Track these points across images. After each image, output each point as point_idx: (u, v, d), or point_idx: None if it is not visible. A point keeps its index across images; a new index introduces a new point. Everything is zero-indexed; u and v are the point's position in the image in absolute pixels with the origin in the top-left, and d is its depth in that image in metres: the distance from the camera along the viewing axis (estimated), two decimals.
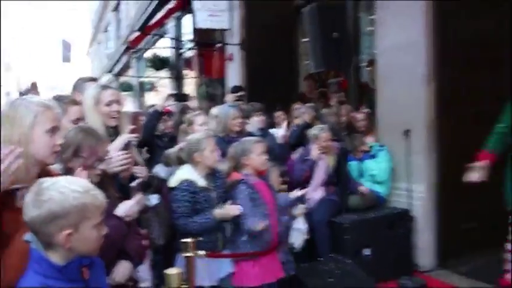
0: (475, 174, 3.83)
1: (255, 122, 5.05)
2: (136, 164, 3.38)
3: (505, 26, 4.98)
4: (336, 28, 5.03)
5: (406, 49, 5.10)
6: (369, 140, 5.54)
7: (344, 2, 6.62)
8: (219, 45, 9.22)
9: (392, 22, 5.30)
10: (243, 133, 4.67)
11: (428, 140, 4.98)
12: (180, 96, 6.35)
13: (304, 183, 5.00)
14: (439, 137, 4.98)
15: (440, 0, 4.93)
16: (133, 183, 3.04)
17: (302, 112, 5.89)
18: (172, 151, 4.10)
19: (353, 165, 5.35)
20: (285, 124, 5.76)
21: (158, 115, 4.73)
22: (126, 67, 19.38)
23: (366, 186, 5.28)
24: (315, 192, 5.06)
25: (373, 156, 5.34)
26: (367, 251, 4.80)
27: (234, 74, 8.56)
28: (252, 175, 3.70)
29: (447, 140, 4.98)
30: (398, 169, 5.25)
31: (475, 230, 5.10)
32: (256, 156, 3.70)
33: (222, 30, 8.85)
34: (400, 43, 5.18)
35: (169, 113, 5.02)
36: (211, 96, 9.45)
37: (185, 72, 12.10)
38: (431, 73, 4.93)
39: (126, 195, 2.77)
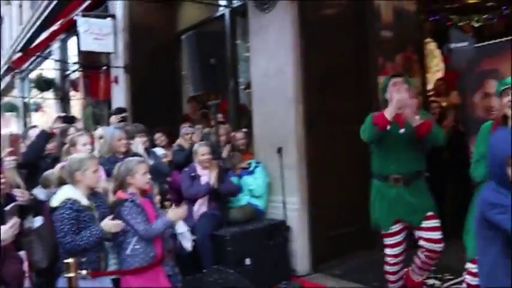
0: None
1: (139, 143, 5.12)
2: (17, 186, 3.31)
3: (357, 60, 5.56)
4: (214, 54, 5.24)
5: (276, 75, 5.47)
6: (247, 157, 5.80)
7: (222, 30, 6.93)
8: (104, 67, 9.13)
9: (264, 50, 5.65)
10: (128, 153, 4.72)
11: (299, 156, 5.35)
12: (68, 118, 6.23)
13: (189, 199, 5.16)
14: (308, 153, 5.36)
15: (305, 33, 5.36)
16: (8, 207, 2.97)
17: (189, 133, 6.10)
18: (51, 172, 4.05)
19: (234, 181, 5.57)
20: (165, 144, 5.92)
21: (46, 136, 4.64)
22: (9, 87, 18.35)
23: (245, 200, 5.53)
24: (198, 207, 5.22)
25: (251, 173, 5.59)
26: (248, 261, 5.00)
27: (119, 96, 8.53)
28: (136, 194, 3.77)
29: (315, 156, 5.38)
30: (274, 183, 5.55)
31: (345, 236, 5.54)
32: (140, 175, 3.79)
33: (107, 53, 8.79)
34: (271, 69, 5.54)
35: (53, 135, 4.95)
36: (98, 117, 9.33)
37: (71, 93, 11.78)
38: (298, 96, 5.32)
39: (1, 219, 2.71)
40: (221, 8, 7.29)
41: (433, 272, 4.57)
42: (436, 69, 8.16)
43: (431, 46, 7.84)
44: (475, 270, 2.94)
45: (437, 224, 3.83)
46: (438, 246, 3.80)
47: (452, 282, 4.68)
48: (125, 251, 3.66)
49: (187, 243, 4.41)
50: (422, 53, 6.56)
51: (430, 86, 7.90)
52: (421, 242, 3.85)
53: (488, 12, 8.25)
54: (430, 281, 4.68)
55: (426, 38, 7.84)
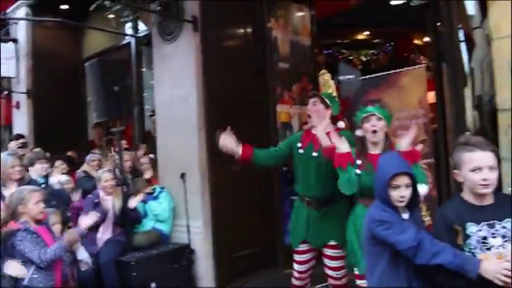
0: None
1: (38, 170, 4.87)
2: None
3: (257, 89, 5.70)
4: (118, 81, 5.14)
5: (180, 102, 5.46)
6: (152, 182, 5.71)
7: (128, 58, 6.84)
8: (5, 92, 8.66)
9: (169, 78, 5.63)
10: (23, 181, 4.47)
11: (202, 181, 5.34)
12: None
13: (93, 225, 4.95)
14: (210, 178, 5.37)
15: (208, 62, 5.42)
16: None
17: (96, 159, 5.90)
18: None
19: (138, 207, 5.45)
20: (67, 171, 5.69)
21: None
22: None
23: (150, 225, 5.41)
24: (102, 234, 5.04)
25: (155, 198, 5.50)
26: (153, 285, 4.88)
27: (21, 122, 8.09)
28: (29, 223, 3.57)
29: (218, 181, 5.40)
30: (178, 208, 5.50)
31: (249, 256, 5.58)
32: (33, 204, 3.59)
33: (9, 78, 8.35)
34: (175, 97, 5.52)
35: None
36: None
37: None
38: (201, 124, 5.35)
39: None
40: (127, 37, 7.20)
41: None
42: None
43: (326, 77, 8.21)
44: (364, 286, 3.05)
45: (338, 254, 3.77)
46: (337, 273, 3.79)
47: None
48: (23, 281, 3.45)
49: (85, 267, 4.28)
50: (317, 83, 6.85)
51: None
52: (325, 268, 3.88)
53: (375, 48, 8.84)
54: None
55: (321, 70, 8.21)
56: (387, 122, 3.30)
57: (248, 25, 5.86)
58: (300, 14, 6.51)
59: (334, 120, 3.84)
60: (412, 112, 5.04)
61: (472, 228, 2.20)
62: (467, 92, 3.83)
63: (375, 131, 3.21)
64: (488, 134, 3.98)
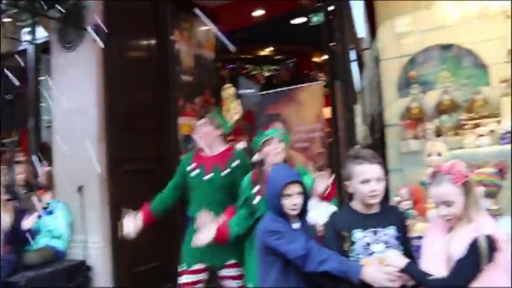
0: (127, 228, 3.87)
1: None
2: None
3: (159, 101, 5.65)
4: (12, 90, 4.85)
5: (79, 113, 5.25)
6: (47, 196, 5.42)
7: (25, 65, 6.47)
8: None
9: (68, 88, 5.40)
10: None
11: (101, 195, 5.16)
12: None
13: None
14: (110, 192, 5.20)
15: (109, 73, 5.28)
16: None
17: None
18: None
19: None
20: None
21: None
22: None
23: (43, 241, 5.12)
24: None
25: (50, 212, 5.22)
26: None
27: None
28: None
29: (118, 194, 5.24)
30: (75, 223, 5.26)
31: (148, 272, 5.45)
32: None
33: None
34: (74, 107, 5.30)
35: None
36: None
37: None
38: (101, 135, 5.17)
39: None
40: (24, 43, 6.81)
41: None
42: (234, 111, 8.65)
43: (230, 91, 8.32)
44: None
45: (237, 273, 3.72)
46: None
47: None
48: None
49: None
50: (219, 96, 6.93)
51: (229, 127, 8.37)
52: None
53: (277, 64, 9.12)
54: None
55: (224, 83, 8.33)
56: (286, 143, 3.42)
57: (151, 36, 5.79)
58: (204, 27, 6.56)
59: (226, 139, 3.86)
60: (309, 126, 5.27)
61: (357, 234, 2.34)
62: (358, 109, 4.07)
63: (276, 154, 3.33)
64: (378, 147, 4.26)
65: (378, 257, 2.28)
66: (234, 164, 3.69)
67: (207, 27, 6.54)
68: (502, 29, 4.60)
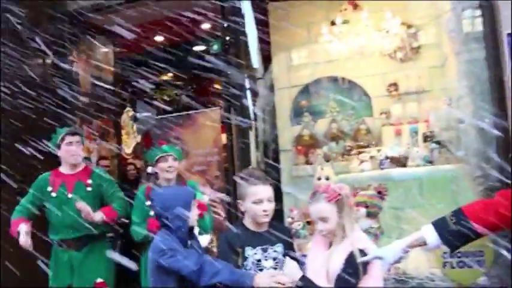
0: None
1: None
2: None
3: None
4: None
5: None
6: None
7: None
8: None
9: None
10: None
11: None
12: None
13: None
14: None
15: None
16: None
17: None
18: None
19: None
20: None
21: None
22: None
23: None
24: None
25: None
26: None
27: None
28: None
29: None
30: None
31: None
32: None
33: None
34: None
35: None
36: None
37: None
38: None
39: None
40: None
41: None
42: (134, 135, 8.55)
43: (130, 113, 8.23)
44: None
45: None
46: None
47: None
48: None
49: None
50: (119, 119, 6.84)
51: (129, 150, 8.25)
52: None
53: (178, 89, 9.18)
54: None
55: (125, 107, 8.23)
56: (180, 159, 3.51)
57: (48, 55, 5.59)
58: (103, 50, 6.48)
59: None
60: (207, 150, 5.38)
61: (249, 251, 2.44)
62: (252, 135, 4.26)
63: (171, 171, 3.39)
64: (272, 171, 4.46)
65: (267, 272, 2.37)
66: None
67: (106, 50, 6.48)
68: (382, 66, 5.11)
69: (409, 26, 5.05)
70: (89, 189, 3.59)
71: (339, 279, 2.22)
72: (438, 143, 4.30)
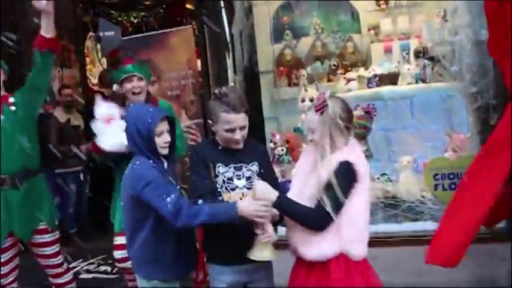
0: None
1: None
2: None
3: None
4: None
5: None
6: None
7: None
8: None
9: None
10: None
11: None
12: None
13: None
14: None
15: None
16: None
17: None
18: None
19: None
20: None
21: None
22: None
23: None
24: None
25: None
26: None
27: None
28: None
29: None
30: None
31: None
32: None
33: None
34: None
35: None
36: None
37: None
38: None
39: None
40: None
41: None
42: (100, 62, 8.29)
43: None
44: (122, 242, 3.02)
45: (50, 239, 3.32)
46: (53, 261, 3.35)
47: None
48: None
49: None
50: (82, 44, 6.56)
51: (95, 79, 8.03)
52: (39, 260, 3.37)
53: (146, 10, 8.83)
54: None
55: (88, 31, 7.91)
56: (148, 79, 3.35)
57: None
58: None
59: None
60: (181, 73, 5.21)
61: (220, 169, 2.40)
62: (230, 56, 4.11)
63: (136, 93, 3.24)
64: (251, 95, 4.35)
65: (239, 192, 2.36)
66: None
67: None
68: None
69: None
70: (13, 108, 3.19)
71: (325, 187, 2.17)
72: (431, 59, 4.22)
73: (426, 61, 4.24)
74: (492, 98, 3.51)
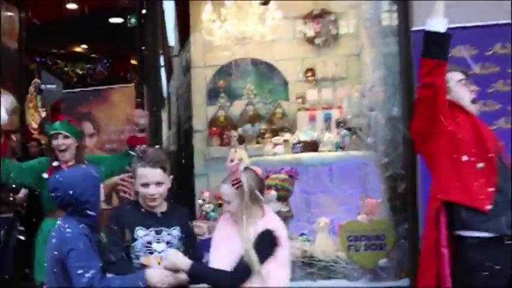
0: None
1: None
2: None
3: None
4: None
5: None
6: None
7: None
8: None
9: None
10: None
11: None
12: None
13: None
14: None
15: None
16: None
17: None
18: None
19: None
20: None
21: None
22: None
23: None
24: None
25: None
26: None
27: None
28: None
29: None
30: None
31: None
32: None
33: None
34: None
35: None
36: None
37: None
38: None
39: None
40: None
41: None
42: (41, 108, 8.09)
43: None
44: None
45: None
46: None
47: None
48: None
49: None
50: (23, 90, 6.38)
51: (36, 125, 7.79)
52: None
53: (92, 62, 8.78)
54: None
55: (33, 78, 7.74)
56: (76, 137, 3.30)
57: None
58: (8, 14, 5.99)
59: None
60: (120, 127, 5.18)
61: (140, 232, 2.35)
62: (165, 114, 4.15)
63: (62, 150, 3.19)
64: (185, 152, 4.38)
65: (157, 256, 2.32)
66: None
67: (11, 14, 5.98)
68: (301, 51, 5.16)
69: (329, 13, 5.11)
70: None
71: (242, 260, 2.20)
72: (349, 129, 4.41)
73: (345, 131, 4.44)
74: (401, 169, 3.69)
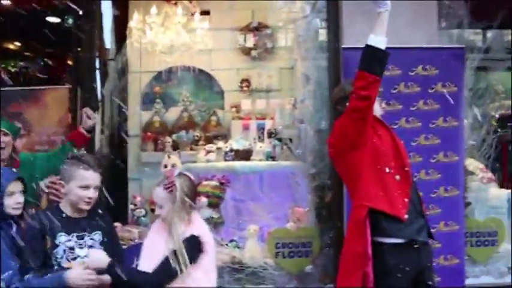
0: None
1: None
2: None
3: None
4: None
5: None
6: None
7: None
8: None
9: None
10: None
11: None
12: None
13: None
14: None
15: None
16: None
17: None
18: None
19: None
20: None
21: None
22: None
23: None
24: None
25: None
26: None
27: None
28: None
29: None
30: None
31: None
32: None
33: None
34: None
35: None
36: None
37: None
38: None
39: None
40: None
41: None
42: None
43: None
44: None
45: None
46: None
47: None
48: None
49: None
50: None
51: None
52: None
53: (26, 60, 8.33)
54: None
55: None
56: (14, 135, 3.14)
57: None
58: None
59: None
60: (52, 129, 4.94)
61: (61, 238, 2.26)
62: (98, 117, 4.00)
63: (1, 148, 3.02)
64: (118, 156, 4.24)
65: (80, 261, 2.23)
66: None
67: None
68: (237, 62, 5.16)
69: (266, 27, 5.16)
70: None
71: (163, 263, 2.15)
72: (280, 140, 4.45)
73: (276, 141, 4.47)
74: (327, 179, 3.75)
